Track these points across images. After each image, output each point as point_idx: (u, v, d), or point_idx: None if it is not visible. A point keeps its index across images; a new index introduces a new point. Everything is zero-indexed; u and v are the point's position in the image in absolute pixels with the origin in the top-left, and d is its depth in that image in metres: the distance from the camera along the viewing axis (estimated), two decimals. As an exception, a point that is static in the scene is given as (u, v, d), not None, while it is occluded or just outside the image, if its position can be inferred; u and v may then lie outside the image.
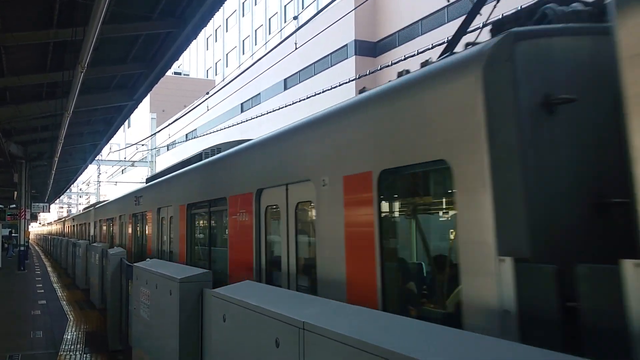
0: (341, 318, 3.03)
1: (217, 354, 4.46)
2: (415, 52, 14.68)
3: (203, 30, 15.65)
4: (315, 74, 39.55)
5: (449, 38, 5.46)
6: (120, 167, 61.70)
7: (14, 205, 37.38)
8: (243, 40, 68.37)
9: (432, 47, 14.12)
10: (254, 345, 3.69)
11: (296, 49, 16.19)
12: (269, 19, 61.45)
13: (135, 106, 22.86)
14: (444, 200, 4.39)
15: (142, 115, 74.00)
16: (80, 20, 12.00)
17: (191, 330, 5.37)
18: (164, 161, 63.95)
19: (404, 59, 15.30)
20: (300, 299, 3.83)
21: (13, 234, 47.17)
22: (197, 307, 5.39)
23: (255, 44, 63.65)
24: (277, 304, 3.55)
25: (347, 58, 36.58)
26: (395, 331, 2.66)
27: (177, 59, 17.34)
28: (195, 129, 57.13)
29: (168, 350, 5.73)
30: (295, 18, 16.57)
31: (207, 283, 5.48)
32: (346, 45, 36.57)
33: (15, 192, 32.02)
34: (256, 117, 26.33)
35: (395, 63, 15.61)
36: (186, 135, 57.27)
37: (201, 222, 9.83)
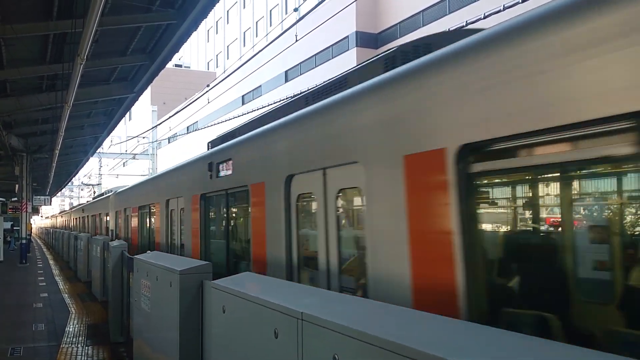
0: (339, 308, 3.02)
1: (217, 346, 4.45)
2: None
3: (204, 22, 15.61)
4: (316, 66, 39.46)
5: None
6: (121, 160, 61.67)
7: (16, 198, 37.38)
8: (244, 32, 68.22)
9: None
10: (253, 336, 3.68)
11: (297, 41, 16.13)
12: (270, 11, 61.27)
13: (136, 98, 22.81)
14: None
15: (143, 107, 73.97)
16: (79, 11, 11.96)
17: (191, 321, 5.36)
18: (166, 154, 63.98)
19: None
20: (299, 289, 3.82)
21: (15, 227, 47.25)
22: (197, 298, 5.38)
23: (257, 36, 63.50)
24: (276, 295, 3.54)
25: (348, 50, 36.48)
26: (393, 321, 2.65)
27: (178, 51, 17.29)
28: (197, 122, 57.11)
29: (168, 342, 5.73)
30: (295, 10, 16.48)
31: (207, 275, 5.46)
32: (347, 36, 36.47)
33: (17, 185, 32.02)
34: (257, 110, 26.28)
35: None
36: (187, 127, 57.24)
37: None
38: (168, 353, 5.75)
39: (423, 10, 32.09)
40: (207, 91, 20.30)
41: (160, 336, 6.22)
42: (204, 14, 14.67)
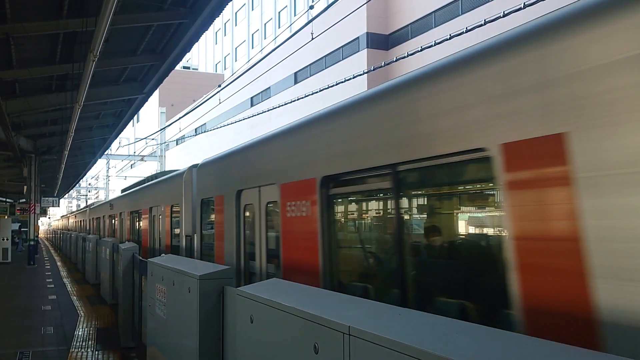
0: (393, 322, 2.69)
1: (244, 357, 4.14)
2: (433, 43, 14.32)
3: (212, 24, 15.39)
4: (326, 67, 39.12)
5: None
6: (129, 162, 61.57)
7: (24, 200, 37.26)
8: (252, 34, 68.09)
9: (450, 38, 13.77)
10: (287, 350, 3.37)
11: (313, 39, 15.87)
12: (279, 13, 61.10)
13: (146, 99, 22.61)
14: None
15: (151, 109, 73.91)
16: (90, 10, 11.75)
17: (212, 329, 5.08)
18: (174, 155, 63.84)
19: (421, 50, 14.94)
20: (340, 299, 3.50)
21: (22, 229, 47.21)
22: (218, 305, 5.09)
23: (265, 38, 63.34)
24: (315, 305, 3.22)
25: (358, 51, 36.13)
26: (460, 338, 2.33)
27: (189, 51, 17.06)
28: (205, 124, 56.89)
29: (187, 350, 5.44)
30: (311, 8, 16.25)
31: (228, 280, 5.18)
32: (358, 38, 36.12)
33: (25, 187, 31.91)
34: (266, 111, 26.07)
35: (411, 54, 15.24)
36: (195, 129, 57.05)
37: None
38: None
39: (435, 11, 31.70)
40: (217, 92, 20.06)
41: (177, 343, 5.94)
42: (216, 13, 14.44)
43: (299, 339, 3.18)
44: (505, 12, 12.33)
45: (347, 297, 3.50)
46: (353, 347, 2.62)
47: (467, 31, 13.45)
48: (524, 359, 2.07)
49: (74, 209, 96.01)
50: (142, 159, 50.02)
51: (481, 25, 12.99)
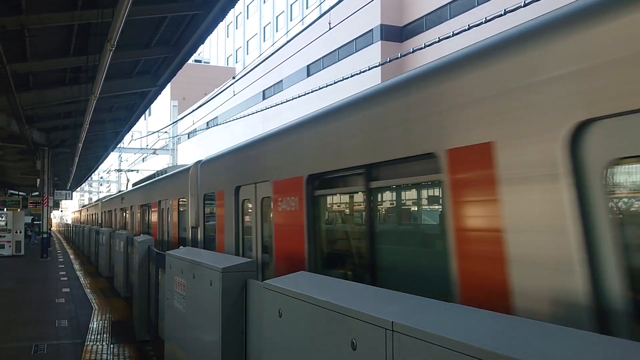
0: (440, 317, 2.51)
1: (271, 352, 3.99)
2: (451, 33, 14.06)
3: (226, 15, 15.25)
4: (339, 60, 38.85)
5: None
6: (141, 155, 61.62)
7: (37, 193, 37.36)
8: (264, 27, 67.86)
9: (469, 28, 13.52)
10: (320, 345, 3.21)
11: (330, 28, 15.65)
12: (291, 5, 60.83)
13: (159, 92, 22.48)
14: None
15: (162, 103, 73.92)
16: (106, 1, 11.62)
17: (235, 323, 4.94)
18: (185, 149, 63.84)
19: (438, 41, 14.71)
20: (376, 292, 3.32)
21: (35, 222, 47.46)
22: (241, 299, 4.96)
23: (277, 31, 63.12)
24: (351, 299, 3.06)
25: (372, 43, 35.84)
26: (519, 335, 2.16)
27: (203, 42, 16.91)
28: (217, 117, 56.80)
29: (208, 344, 5.31)
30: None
31: (251, 273, 5.04)
32: (371, 30, 35.82)
33: (38, 180, 31.96)
34: (278, 105, 25.92)
35: (428, 45, 15.01)
36: (207, 123, 56.98)
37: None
38: (208, 356, 5.34)
39: (450, 3, 31.37)
40: (231, 84, 19.92)
41: (197, 337, 5.82)
42: (230, 4, 14.27)
43: (334, 334, 3.02)
44: (526, 2, 12.07)
45: (384, 291, 3.32)
46: (397, 344, 2.46)
47: (486, 21, 13.20)
48: (590, 358, 1.91)
49: (86, 202, 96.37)
50: (154, 152, 49.90)
51: (501, 15, 12.72)
